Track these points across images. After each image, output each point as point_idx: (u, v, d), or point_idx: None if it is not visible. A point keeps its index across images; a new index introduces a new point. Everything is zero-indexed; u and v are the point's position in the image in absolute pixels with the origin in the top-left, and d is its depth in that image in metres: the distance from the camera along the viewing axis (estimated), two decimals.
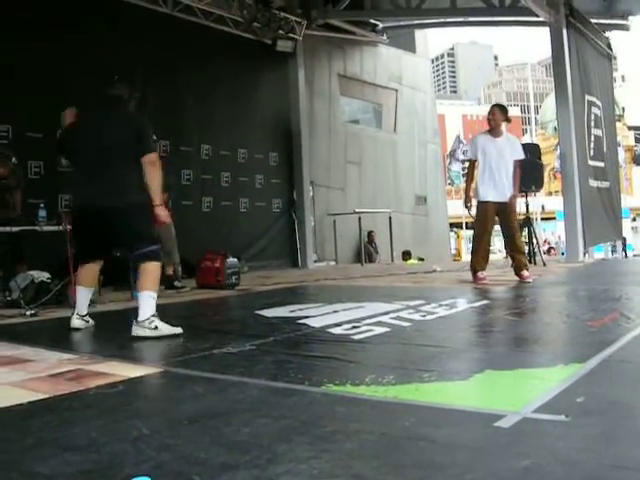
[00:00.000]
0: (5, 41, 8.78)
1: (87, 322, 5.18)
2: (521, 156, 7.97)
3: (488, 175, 7.85)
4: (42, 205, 7.11)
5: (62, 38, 9.46)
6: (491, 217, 7.95)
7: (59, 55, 9.36)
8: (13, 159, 7.99)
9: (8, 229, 6.66)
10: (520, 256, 8.08)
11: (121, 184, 4.76)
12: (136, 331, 4.60)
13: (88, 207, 4.88)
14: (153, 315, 4.65)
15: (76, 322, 5.11)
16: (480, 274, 7.99)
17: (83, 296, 5.18)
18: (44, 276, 7.01)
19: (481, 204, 7.97)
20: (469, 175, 8.47)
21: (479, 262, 8.05)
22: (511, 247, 8.14)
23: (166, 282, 8.53)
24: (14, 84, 8.81)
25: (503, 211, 7.90)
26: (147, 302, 4.69)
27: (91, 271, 5.18)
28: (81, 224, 5.08)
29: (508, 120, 8.11)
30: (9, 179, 7.68)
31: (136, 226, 4.80)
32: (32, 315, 6.11)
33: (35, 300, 6.60)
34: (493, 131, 7.95)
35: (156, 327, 4.59)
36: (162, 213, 4.86)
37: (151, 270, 4.81)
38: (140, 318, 4.62)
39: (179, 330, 4.63)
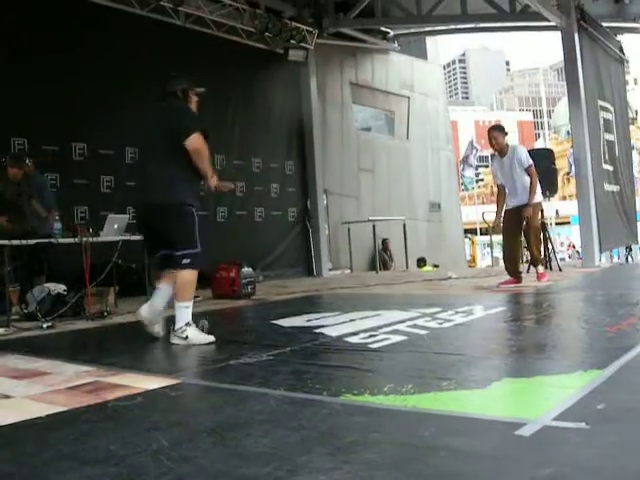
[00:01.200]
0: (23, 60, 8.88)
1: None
2: (525, 164, 8.07)
3: (508, 189, 8.26)
4: (57, 217, 7.14)
5: (77, 54, 9.55)
6: (512, 222, 8.16)
7: (74, 69, 9.45)
8: (28, 161, 8.03)
9: (24, 242, 6.67)
10: (535, 253, 8.44)
11: (160, 181, 4.77)
12: (172, 339, 4.71)
13: (138, 204, 5.06)
14: (187, 324, 4.69)
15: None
16: (508, 278, 8.33)
17: (157, 293, 5.04)
18: (60, 288, 7.04)
19: (505, 213, 8.30)
20: (498, 199, 8.60)
21: (508, 266, 8.39)
22: (527, 244, 8.50)
23: None
24: (31, 98, 8.89)
25: (518, 214, 8.09)
26: (180, 312, 4.73)
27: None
28: (137, 221, 5.26)
29: (505, 133, 8.34)
30: (22, 184, 7.71)
31: (170, 226, 4.80)
32: (49, 327, 6.14)
33: (52, 312, 6.62)
34: (501, 152, 8.21)
35: (187, 337, 4.64)
36: (211, 183, 4.91)
37: (183, 279, 4.81)
38: (175, 327, 4.71)
39: (211, 338, 4.68)
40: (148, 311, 4.95)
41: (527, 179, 8.04)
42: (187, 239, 4.79)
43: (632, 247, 16.87)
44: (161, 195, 4.74)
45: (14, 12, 8.97)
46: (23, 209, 7.56)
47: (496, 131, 8.28)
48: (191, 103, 5.11)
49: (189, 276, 4.83)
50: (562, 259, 20.12)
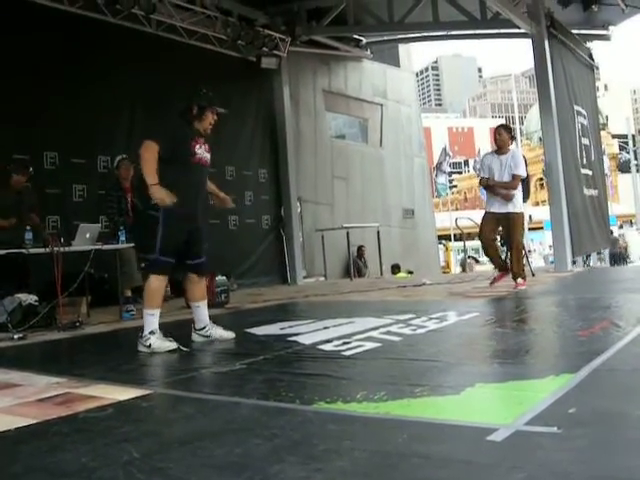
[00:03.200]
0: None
1: (207, 337, 5.13)
2: (518, 172, 8.18)
3: (491, 190, 8.30)
4: (28, 228, 7.06)
5: (48, 63, 9.51)
6: (489, 226, 8.30)
7: (45, 78, 9.41)
8: (30, 169, 8.08)
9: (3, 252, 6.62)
10: (517, 264, 8.30)
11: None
12: (138, 347, 4.79)
13: None
14: (151, 332, 4.75)
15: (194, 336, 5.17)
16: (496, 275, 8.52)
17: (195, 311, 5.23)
18: (32, 299, 6.96)
19: (485, 214, 8.41)
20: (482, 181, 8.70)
21: (494, 261, 8.54)
22: (510, 255, 8.43)
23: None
24: (2, 107, 8.83)
25: (505, 222, 8.24)
26: (145, 319, 4.84)
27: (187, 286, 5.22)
28: None
29: (513, 138, 8.57)
30: (23, 194, 7.68)
31: (139, 234, 4.91)
32: (20, 338, 6.06)
33: (23, 323, 6.54)
34: (499, 150, 8.33)
35: (150, 345, 4.71)
36: (156, 194, 4.70)
37: (147, 285, 4.89)
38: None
39: (173, 346, 4.72)
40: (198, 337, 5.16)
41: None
42: (145, 244, 4.87)
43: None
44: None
45: None
46: (22, 219, 7.52)
47: (503, 129, 8.47)
48: (203, 121, 5.11)
49: (152, 282, 4.85)
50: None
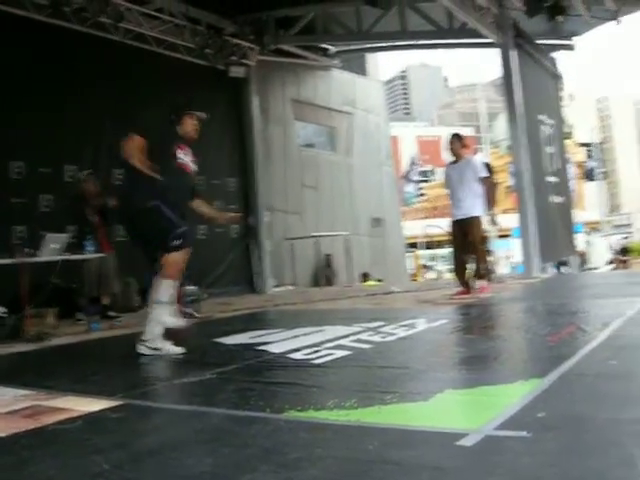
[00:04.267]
0: None
1: (156, 349, 4.98)
2: (481, 174, 8.27)
3: (453, 198, 8.40)
4: None
5: (13, 71, 9.44)
6: (458, 234, 8.36)
7: (10, 86, 9.31)
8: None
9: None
10: (478, 265, 8.37)
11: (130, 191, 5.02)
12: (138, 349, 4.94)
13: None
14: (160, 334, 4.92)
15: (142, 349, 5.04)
16: (459, 289, 8.43)
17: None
18: None
19: (451, 224, 8.53)
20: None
21: (459, 278, 8.49)
22: (474, 255, 8.42)
23: (101, 311, 8.48)
24: None
25: (465, 226, 8.23)
26: (161, 287, 4.96)
27: None
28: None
29: (465, 145, 8.59)
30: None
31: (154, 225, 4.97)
32: None
33: None
34: (456, 159, 8.42)
35: (155, 348, 4.86)
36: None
37: (166, 259, 4.98)
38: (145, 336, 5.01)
39: (177, 351, 4.87)
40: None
41: (474, 189, 8.18)
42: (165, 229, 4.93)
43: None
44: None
45: None
46: None
47: (454, 138, 8.52)
48: (183, 125, 5.35)
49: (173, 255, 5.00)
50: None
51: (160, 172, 4.82)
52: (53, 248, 7.11)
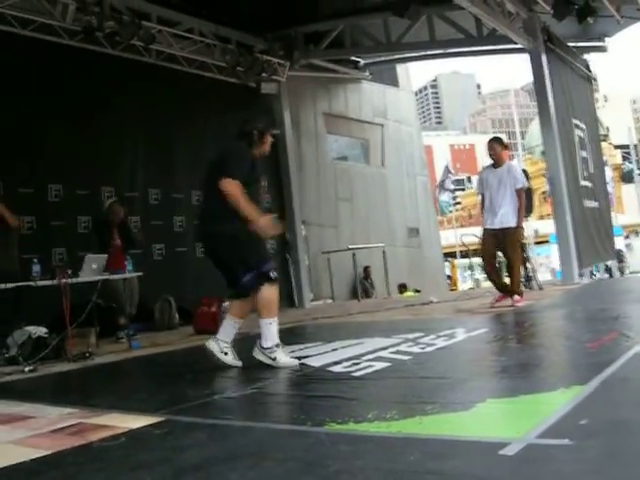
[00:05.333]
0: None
1: (225, 354, 4.97)
2: (519, 185, 8.12)
3: (489, 204, 8.24)
4: (35, 260, 7.09)
5: (49, 95, 9.60)
6: (489, 243, 8.24)
7: (46, 110, 9.49)
8: None
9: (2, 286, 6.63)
10: (513, 281, 8.19)
11: (211, 213, 4.92)
12: (255, 354, 4.87)
13: (198, 233, 5.27)
14: (276, 345, 4.80)
15: (211, 343, 5.02)
16: (497, 297, 8.36)
17: (226, 324, 5.15)
18: (41, 331, 6.98)
19: (483, 231, 8.38)
20: (481, 207, 8.66)
21: (496, 283, 8.41)
22: (507, 271, 8.26)
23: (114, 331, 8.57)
24: (6, 143, 8.90)
25: (502, 237, 8.11)
26: (263, 327, 4.86)
27: (236, 303, 5.15)
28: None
29: (506, 147, 8.49)
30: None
31: (228, 255, 4.88)
32: (31, 371, 6.07)
33: (33, 355, 6.55)
34: (496, 164, 8.28)
35: (274, 358, 4.77)
36: (261, 224, 4.74)
37: (261, 297, 4.86)
38: (263, 345, 4.85)
39: (293, 363, 4.77)
40: (215, 346, 5.04)
41: (515, 198, 8.08)
42: (244, 264, 4.85)
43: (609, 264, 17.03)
44: (212, 226, 4.88)
45: None
46: None
47: (495, 142, 8.43)
48: (264, 144, 5.18)
49: (265, 291, 4.91)
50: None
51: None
52: (93, 268, 7.21)
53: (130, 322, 8.50)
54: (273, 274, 4.91)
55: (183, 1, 11.24)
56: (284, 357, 4.80)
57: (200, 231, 5.13)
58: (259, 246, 4.98)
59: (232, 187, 4.69)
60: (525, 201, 8.33)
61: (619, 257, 31.35)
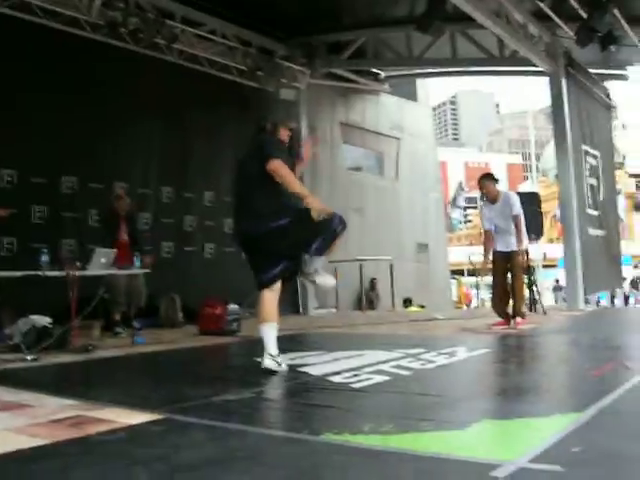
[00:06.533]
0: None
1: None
2: (514, 211, 8.13)
3: (496, 232, 8.28)
4: (45, 250, 7.14)
5: (71, 87, 9.67)
6: (499, 265, 8.26)
7: (66, 103, 9.56)
8: None
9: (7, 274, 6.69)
10: (517, 302, 8.18)
11: (255, 212, 4.90)
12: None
13: (237, 234, 5.18)
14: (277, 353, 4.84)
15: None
16: (498, 321, 8.34)
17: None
18: (45, 321, 7.02)
19: (493, 254, 8.36)
20: (485, 243, 8.67)
21: (498, 308, 8.39)
22: (511, 292, 8.25)
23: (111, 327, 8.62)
24: (19, 130, 8.98)
25: (508, 260, 8.17)
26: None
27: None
28: (242, 250, 5.24)
29: (496, 181, 8.42)
30: None
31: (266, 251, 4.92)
32: (33, 360, 6.11)
33: (36, 345, 6.59)
34: (492, 201, 8.28)
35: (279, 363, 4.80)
36: (314, 203, 4.74)
37: (261, 298, 5.00)
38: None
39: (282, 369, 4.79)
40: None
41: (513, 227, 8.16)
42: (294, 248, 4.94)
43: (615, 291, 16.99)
44: (254, 225, 4.89)
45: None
46: None
47: (486, 180, 8.37)
48: (281, 136, 5.24)
49: (266, 295, 5.09)
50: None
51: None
52: (102, 262, 7.26)
53: (137, 317, 8.58)
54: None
55: (207, 2, 11.32)
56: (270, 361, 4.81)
57: (242, 229, 5.09)
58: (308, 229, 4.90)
59: (279, 166, 4.72)
60: (531, 225, 8.38)
61: (634, 284, 31.39)
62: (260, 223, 4.84)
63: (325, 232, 4.86)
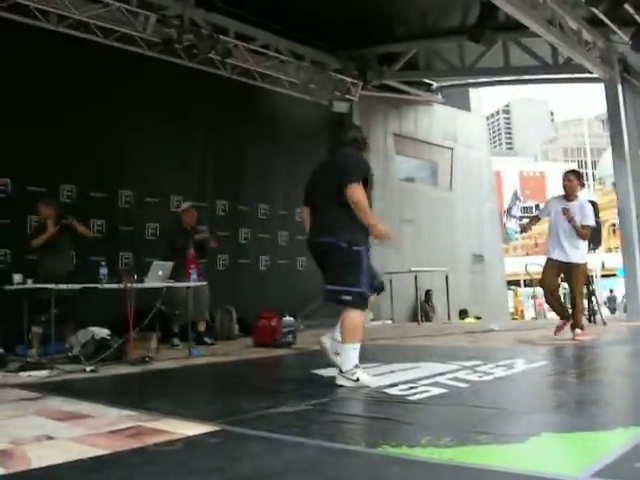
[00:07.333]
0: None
1: (356, 380, 4.75)
2: (589, 222, 7.96)
3: (555, 236, 8.07)
4: (103, 263, 7.27)
5: (127, 105, 9.89)
6: (551, 273, 8.08)
7: (122, 119, 9.75)
8: None
9: (70, 286, 6.82)
10: (577, 315, 8.01)
11: (331, 223, 4.91)
12: (339, 381, 4.78)
13: (309, 245, 5.12)
14: (355, 366, 4.76)
15: (326, 340, 5.05)
16: (559, 324, 8.19)
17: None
18: (104, 332, 7.15)
19: (546, 260, 8.18)
20: (529, 223, 8.75)
21: (556, 308, 8.24)
22: (571, 304, 8.11)
23: (197, 338, 8.68)
24: (80, 146, 9.22)
25: (567, 271, 8.01)
26: (347, 354, 4.80)
27: None
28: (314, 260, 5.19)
29: (582, 185, 8.31)
30: None
31: (337, 266, 4.86)
32: (92, 371, 6.22)
33: (95, 356, 6.72)
34: (568, 196, 8.12)
35: (357, 379, 4.71)
36: (379, 230, 4.83)
37: (348, 320, 4.86)
38: (343, 369, 4.78)
39: (375, 383, 4.74)
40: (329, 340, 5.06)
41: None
42: (349, 280, 4.81)
43: None
44: (329, 235, 4.86)
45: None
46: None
47: (572, 174, 8.29)
48: (364, 150, 5.35)
49: (357, 317, 4.87)
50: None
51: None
52: (159, 275, 7.36)
53: (207, 330, 8.71)
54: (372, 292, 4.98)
55: (260, 17, 11.44)
56: (365, 376, 4.78)
57: (313, 239, 5.06)
58: (369, 266, 4.96)
59: (358, 194, 4.76)
60: (593, 234, 8.20)
61: None
62: (329, 237, 4.85)
63: (361, 285, 4.81)
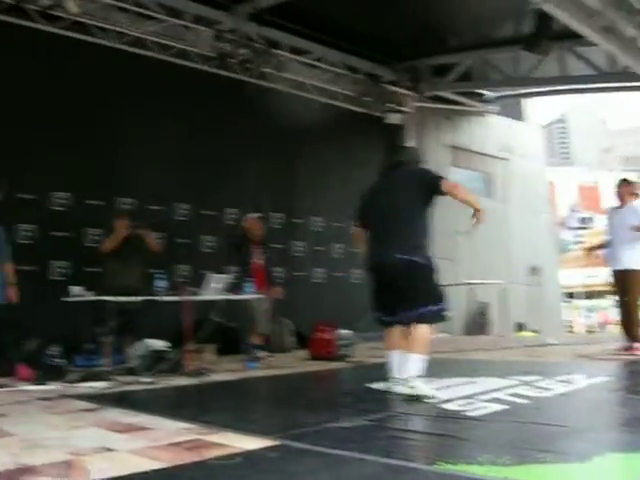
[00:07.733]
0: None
1: (412, 387, 4.79)
2: (636, 222, 7.72)
3: (611, 245, 8.01)
4: (161, 276, 7.37)
5: (188, 120, 10.12)
6: (617, 284, 7.95)
7: (183, 133, 9.95)
8: None
9: (132, 299, 6.94)
10: (630, 326, 7.79)
11: (407, 242, 4.96)
12: (396, 388, 4.83)
13: (377, 264, 5.13)
14: (418, 376, 4.80)
15: (398, 388, 4.95)
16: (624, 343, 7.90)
17: (393, 360, 5.12)
18: (161, 345, 7.24)
19: (612, 273, 8.07)
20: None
21: (624, 329, 7.94)
22: (624, 315, 7.93)
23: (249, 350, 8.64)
24: (141, 163, 9.46)
25: (620, 279, 7.84)
26: (412, 361, 4.84)
27: (395, 334, 5.18)
28: (375, 281, 5.23)
29: (634, 193, 8.09)
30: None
31: (418, 284, 4.89)
32: (149, 383, 6.31)
33: (152, 368, 6.80)
34: (620, 204, 8.04)
35: (412, 387, 4.73)
36: (484, 215, 5.06)
37: (421, 332, 4.91)
38: (404, 375, 4.83)
39: (432, 393, 4.74)
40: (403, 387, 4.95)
41: (633, 240, 7.69)
42: (427, 297, 4.89)
43: None
44: (407, 252, 4.91)
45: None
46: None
47: (622, 181, 8.26)
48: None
49: (428, 332, 4.97)
50: None
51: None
52: (215, 287, 7.42)
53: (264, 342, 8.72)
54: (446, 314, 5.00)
55: (313, 31, 11.50)
56: (424, 386, 4.78)
57: (385, 258, 5.02)
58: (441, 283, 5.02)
59: (453, 184, 5.01)
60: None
61: None
62: (407, 254, 4.89)
63: (440, 303, 4.88)
